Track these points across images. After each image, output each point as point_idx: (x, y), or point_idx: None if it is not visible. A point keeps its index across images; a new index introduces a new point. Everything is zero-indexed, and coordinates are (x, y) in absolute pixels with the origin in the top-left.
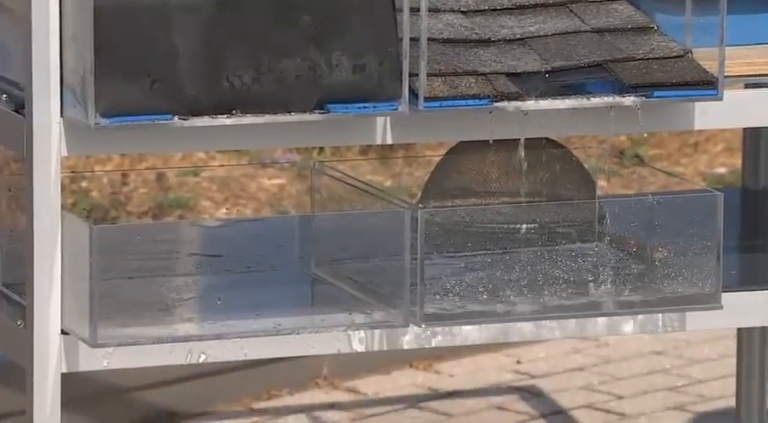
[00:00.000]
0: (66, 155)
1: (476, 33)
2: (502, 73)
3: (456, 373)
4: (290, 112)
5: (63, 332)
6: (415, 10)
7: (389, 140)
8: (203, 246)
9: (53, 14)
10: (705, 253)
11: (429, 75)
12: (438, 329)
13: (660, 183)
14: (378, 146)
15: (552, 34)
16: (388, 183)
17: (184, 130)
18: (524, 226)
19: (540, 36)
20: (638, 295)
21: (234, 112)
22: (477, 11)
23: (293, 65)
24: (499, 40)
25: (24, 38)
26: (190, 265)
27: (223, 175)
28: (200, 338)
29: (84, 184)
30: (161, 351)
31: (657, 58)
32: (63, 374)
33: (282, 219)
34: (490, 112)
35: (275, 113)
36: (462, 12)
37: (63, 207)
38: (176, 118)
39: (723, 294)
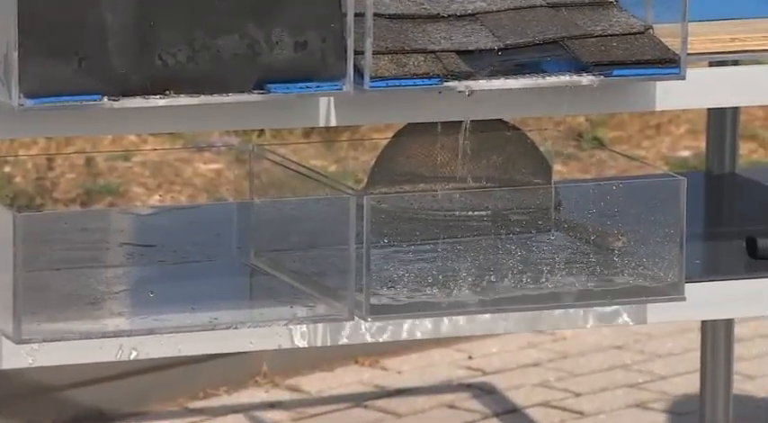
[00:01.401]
0: None
1: (424, 8)
2: (452, 51)
3: (404, 370)
4: (227, 93)
5: None
6: None
7: (333, 122)
8: (135, 235)
9: None
10: (667, 241)
11: (375, 52)
12: (385, 323)
13: (620, 167)
14: (321, 128)
15: (505, 9)
16: (333, 168)
17: (114, 112)
18: (476, 213)
19: (492, 11)
20: (597, 286)
21: (167, 92)
22: None
23: (231, 42)
24: (449, 16)
25: None
26: (121, 255)
27: (156, 160)
28: (132, 334)
29: (7, 169)
30: (90, 347)
31: (616, 35)
32: None
33: (219, 206)
34: (440, 93)
35: (211, 94)
36: None
37: None
38: (106, 99)
39: (686, 285)
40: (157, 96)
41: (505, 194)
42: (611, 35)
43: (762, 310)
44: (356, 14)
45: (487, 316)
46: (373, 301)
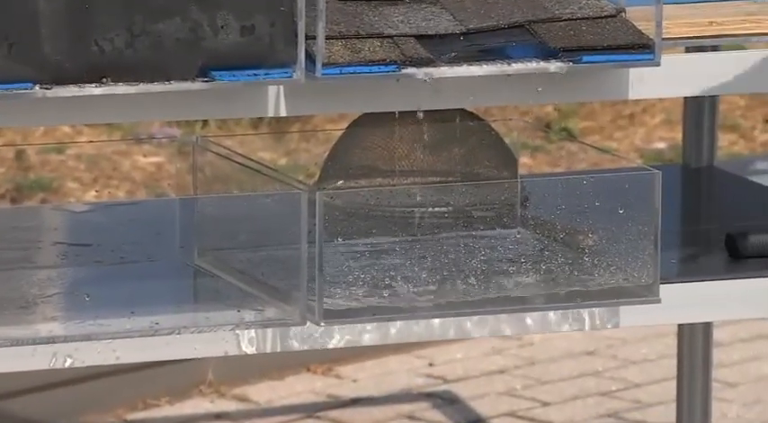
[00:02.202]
0: None
1: None
2: (411, 35)
3: (359, 378)
4: (168, 81)
5: None
6: None
7: (283, 112)
8: (69, 234)
9: None
10: (641, 239)
11: (328, 37)
12: (339, 328)
13: (591, 160)
14: (270, 119)
15: None
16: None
17: (47, 101)
18: (437, 209)
19: None
20: (567, 287)
21: (104, 80)
22: None
23: (172, 26)
24: None
25: None
26: (54, 255)
27: (92, 153)
28: (67, 340)
29: None
30: (21, 355)
31: (587, 19)
32: None
33: (161, 202)
34: (398, 80)
35: (152, 82)
36: None
37: None
38: (38, 87)
39: (662, 286)
40: (93, 85)
41: (468, 189)
42: (580, 19)
43: (742, 313)
44: None
45: (450, 320)
46: (326, 304)
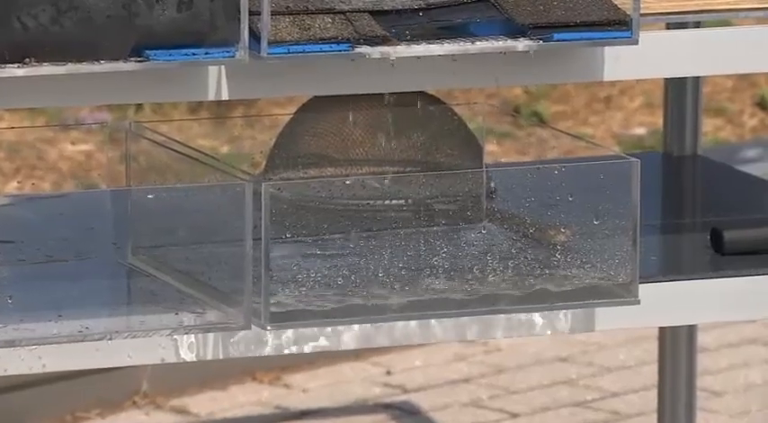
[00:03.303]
0: None
1: None
2: (365, 11)
3: (310, 388)
4: (98, 60)
5: None
6: None
7: (225, 95)
8: None
9: None
10: (618, 234)
11: (274, 13)
12: (288, 332)
13: (564, 147)
14: (210, 102)
15: None
16: (225, 149)
17: None
18: (395, 202)
19: None
20: (537, 288)
21: (27, 60)
22: None
23: (103, 0)
24: None
25: None
26: None
27: (13, 140)
28: None
29: None
30: None
31: None
32: None
33: (90, 194)
34: (352, 60)
35: (80, 62)
36: None
37: None
38: None
39: (641, 286)
40: (15, 65)
41: (429, 180)
42: None
43: (729, 315)
44: None
45: (409, 323)
46: (273, 306)
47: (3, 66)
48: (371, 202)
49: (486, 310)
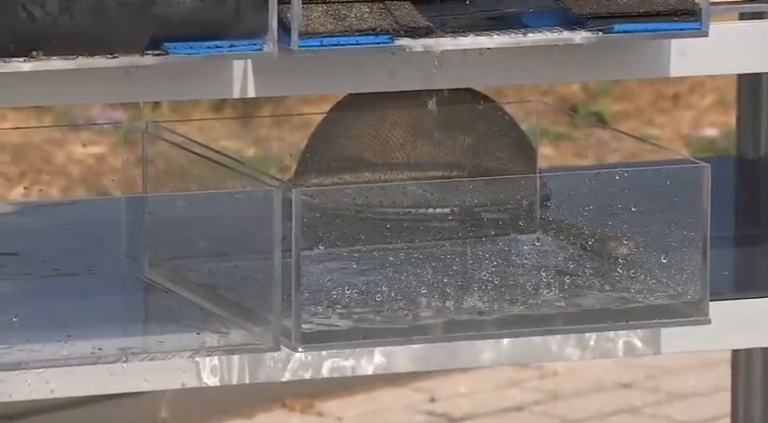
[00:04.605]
0: None
1: None
2: None
3: (346, 416)
4: (112, 54)
5: None
6: None
7: (251, 92)
8: None
9: None
10: (687, 247)
11: (305, 1)
12: (320, 355)
13: (627, 150)
14: (236, 100)
15: None
16: (251, 151)
17: None
18: (439, 211)
19: None
20: (596, 306)
21: (34, 53)
22: None
23: None
24: None
25: None
26: None
27: (18, 142)
28: None
29: None
30: None
31: None
32: None
33: (103, 202)
34: (392, 54)
35: (92, 55)
36: None
37: None
38: None
39: (712, 304)
40: (21, 59)
41: (476, 186)
42: None
43: None
44: None
45: (455, 344)
46: (305, 325)
47: (7, 59)
48: (413, 210)
49: (541, 331)
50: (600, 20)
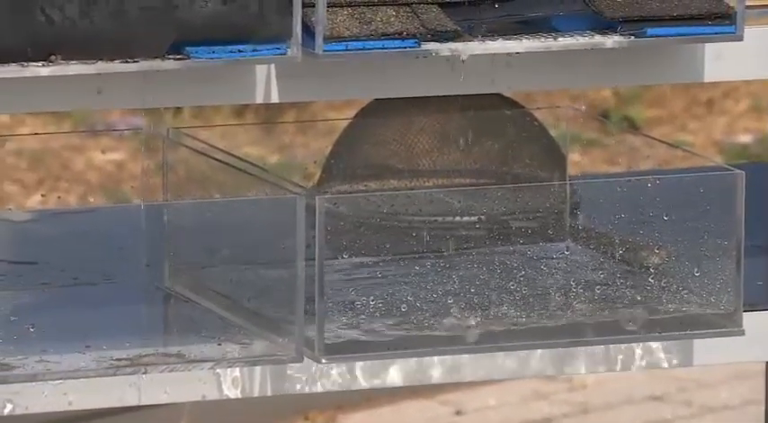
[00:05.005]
0: None
1: None
2: (433, 2)
3: None
4: (132, 58)
5: None
6: None
7: (275, 98)
8: (9, 248)
9: None
10: (720, 256)
11: (330, 5)
12: (344, 366)
13: (659, 156)
14: (258, 106)
15: None
16: (274, 158)
17: None
18: (466, 218)
19: None
20: (628, 317)
21: (53, 57)
22: None
23: None
24: None
25: None
26: None
27: (36, 148)
28: (6, 381)
29: None
30: None
31: None
32: None
33: (122, 209)
34: (418, 58)
35: (112, 60)
36: None
37: None
38: None
39: (745, 315)
40: (39, 63)
41: (505, 194)
42: None
43: None
44: None
45: (482, 356)
46: (329, 335)
47: (25, 64)
48: (440, 218)
49: (570, 342)
50: (632, 23)
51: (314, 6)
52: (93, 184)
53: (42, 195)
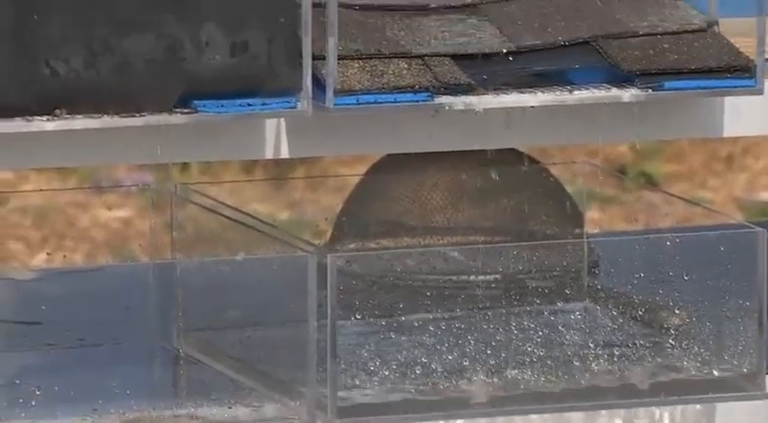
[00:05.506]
0: None
1: None
2: (446, 55)
3: None
4: (139, 112)
5: None
6: None
7: (285, 153)
8: (12, 308)
9: None
10: (742, 316)
11: (341, 57)
12: None
13: (678, 214)
14: (268, 161)
15: None
16: (284, 215)
17: None
18: (482, 278)
19: (500, 0)
20: (647, 379)
21: (58, 112)
22: None
23: (144, 43)
24: (442, 7)
25: None
26: None
27: (41, 205)
28: None
29: None
30: None
31: (669, 34)
32: None
33: (129, 268)
34: (432, 112)
35: (118, 114)
36: None
37: None
38: None
39: None
40: (44, 117)
41: (521, 252)
42: (661, 34)
43: None
44: (315, 5)
45: (499, 420)
46: (342, 398)
47: (30, 118)
48: (454, 277)
49: (588, 405)
50: (649, 77)
51: (324, 59)
52: (99, 241)
53: (47, 253)
